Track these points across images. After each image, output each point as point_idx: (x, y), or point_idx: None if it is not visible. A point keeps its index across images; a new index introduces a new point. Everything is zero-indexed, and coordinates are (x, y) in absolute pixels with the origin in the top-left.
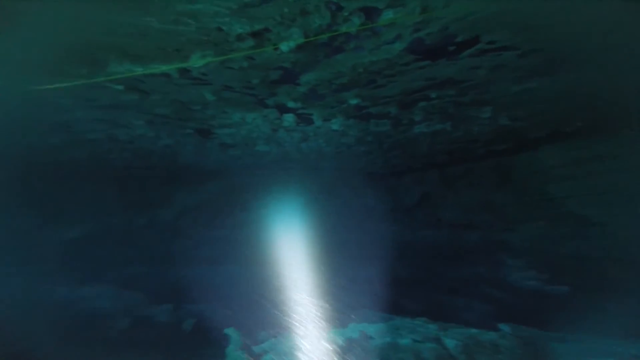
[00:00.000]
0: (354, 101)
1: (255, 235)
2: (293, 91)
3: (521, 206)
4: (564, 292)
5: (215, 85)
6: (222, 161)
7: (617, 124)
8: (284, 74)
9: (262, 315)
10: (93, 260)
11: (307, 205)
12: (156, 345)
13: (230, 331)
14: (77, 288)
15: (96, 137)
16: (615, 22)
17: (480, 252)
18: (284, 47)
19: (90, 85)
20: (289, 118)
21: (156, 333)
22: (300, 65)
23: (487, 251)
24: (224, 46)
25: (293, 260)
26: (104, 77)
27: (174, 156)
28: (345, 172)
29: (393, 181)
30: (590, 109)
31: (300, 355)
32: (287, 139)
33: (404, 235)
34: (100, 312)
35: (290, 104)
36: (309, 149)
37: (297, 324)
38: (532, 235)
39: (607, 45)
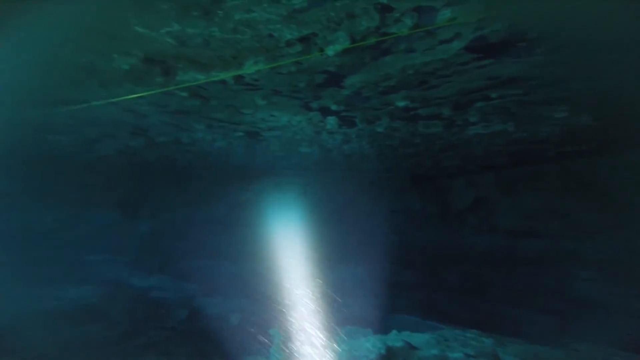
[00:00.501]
0: (401, 103)
1: (297, 232)
2: (337, 94)
3: (597, 213)
4: None
5: (265, 90)
6: (268, 162)
7: None
8: (329, 77)
9: (305, 315)
10: (159, 252)
11: (348, 205)
12: (206, 337)
13: (273, 330)
14: (146, 278)
15: (165, 140)
16: None
17: (544, 262)
18: (330, 51)
19: (163, 93)
20: (331, 121)
21: (207, 325)
22: (345, 69)
23: (552, 261)
24: (275, 52)
25: (334, 261)
26: (175, 86)
27: (227, 157)
28: (388, 173)
29: (442, 183)
30: None
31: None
32: (330, 140)
33: (453, 240)
34: (164, 302)
35: (334, 107)
36: (351, 150)
37: (338, 327)
38: (610, 246)
39: None
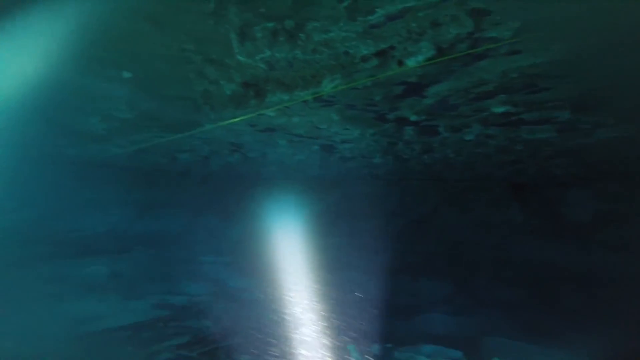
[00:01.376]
0: (499, 109)
1: (369, 243)
2: (417, 104)
3: None
4: None
5: (339, 105)
6: (340, 173)
7: None
8: (408, 88)
9: (378, 324)
10: (249, 256)
11: (430, 217)
12: (294, 342)
13: (348, 340)
14: (239, 279)
15: (254, 156)
16: None
17: None
18: (411, 62)
19: (255, 113)
20: (409, 131)
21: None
22: (428, 78)
23: None
24: (350, 68)
25: (416, 275)
26: (265, 108)
27: (304, 169)
28: (480, 182)
29: (551, 193)
30: None
31: None
32: (407, 150)
33: (571, 258)
34: (255, 303)
35: (413, 117)
36: (432, 159)
37: (418, 344)
38: None
39: None
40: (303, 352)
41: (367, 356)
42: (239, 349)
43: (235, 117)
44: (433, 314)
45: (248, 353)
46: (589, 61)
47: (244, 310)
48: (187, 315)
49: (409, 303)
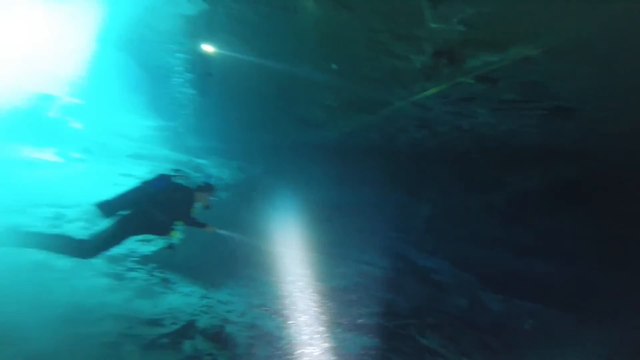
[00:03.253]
0: None
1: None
2: None
3: None
4: None
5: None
6: (583, 141)
7: None
8: None
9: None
10: (438, 236)
11: None
12: (492, 332)
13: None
14: (427, 259)
15: (445, 129)
16: None
17: None
18: None
19: (448, 84)
20: None
21: (490, 320)
22: None
23: None
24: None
25: None
26: (464, 75)
27: (511, 140)
28: None
29: None
30: None
31: None
32: None
33: None
34: (443, 286)
35: None
36: None
37: None
38: None
39: None
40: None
41: None
42: (430, 328)
43: (425, 91)
44: None
45: (438, 333)
46: None
47: (434, 291)
48: (379, 287)
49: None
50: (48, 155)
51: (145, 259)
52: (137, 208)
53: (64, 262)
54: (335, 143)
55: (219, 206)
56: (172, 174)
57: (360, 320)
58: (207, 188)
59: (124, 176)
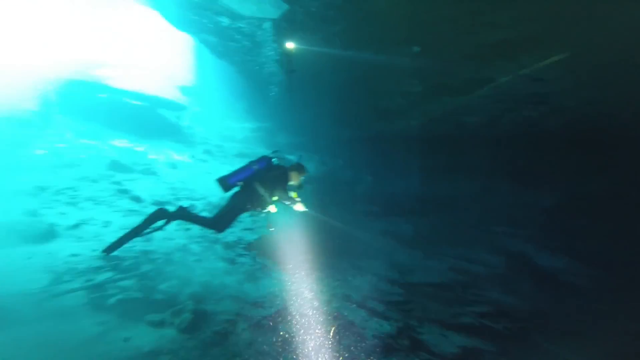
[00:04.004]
0: None
1: None
2: None
3: None
4: None
5: None
6: None
7: None
8: None
9: None
10: (562, 230)
11: None
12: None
13: None
14: (550, 257)
15: (571, 105)
16: None
17: None
18: None
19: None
20: None
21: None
22: None
23: None
24: None
25: None
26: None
27: None
28: None
29: None
30: None
31: None
32: None
33: None
34: (577, 289)
35: None
36: None
37: None
38: None
39: None
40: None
41: None
42: (548, 334)
43: (544, 60)
44: None
45: (554, 342)
46: None
47: (558, 294)
48: (485, 285)
49: None
50: (184, 157)
51: (249, 246)
52: (245, 184)
53: (197, 246)
54: (421, 131)
55: (305, 198)
56: (271, 155)
57: (458, 319)
58: (300, 168)
59: None
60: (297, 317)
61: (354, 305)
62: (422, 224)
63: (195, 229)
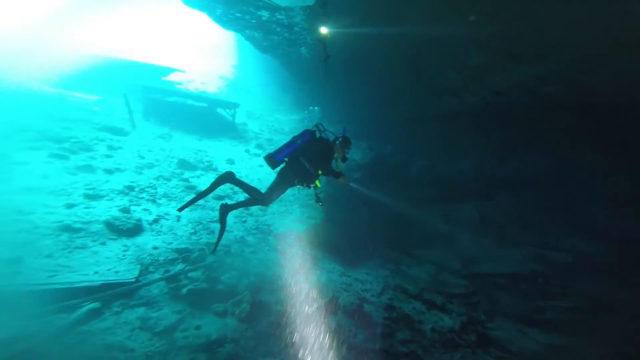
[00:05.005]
0: None
1: None
2: None
3: None
4: None
5: None
6: None
7: None
8: None
9: None
10: None
11: None
12: None
13: None
14: None
15: None
16: None
17: None
18: None
19: None
20: None
21: None
22: None
23: None
24: None
25: None
26: None
27: None
28: None
29: None
30: None
31: None
32: None
33: None
34: None
35: None
36: None
37: None
38: None
39: None
40: None
41: None
42: None
43: None
44: None
45: None
46: None
47: None
48: (574, 276)
49: None
50: (241, 153)
51: (299, 237)
52: (290, 159)
53: (252, 238)
54: (483, 106)
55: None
56: (314, 128)
57: (541, 314)
58: (344, 140)
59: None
60: (347, 307)
61: (408, 296)
62: (490, 208)
63: (251, 221)
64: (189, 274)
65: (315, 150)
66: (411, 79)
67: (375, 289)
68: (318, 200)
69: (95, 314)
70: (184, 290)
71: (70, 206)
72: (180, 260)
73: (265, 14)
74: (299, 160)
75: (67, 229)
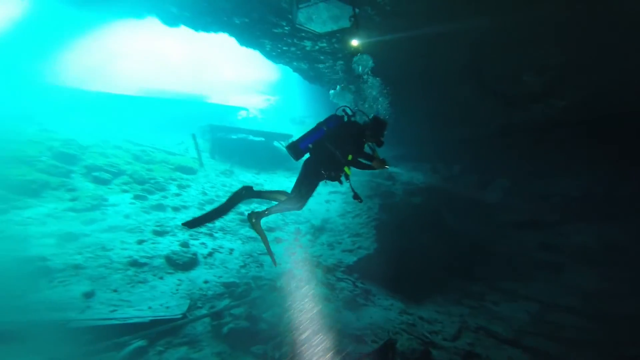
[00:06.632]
0: None
1: None
2: None
3: None
4: None
5: None
6: None
7: None
8: None
9: None
10: None
11: None
12: None
13: None
14: None
15: None
16: None
17: None
18: None
19: None
20: None
21: None
22: None
23: None
24: None
25: None
26: None
27: None
28: None
29: None
30: None
31: None
32: None
33: None
34: None
35: None
36: None
37: None
38: None
39: None
40: None
41: None
42: None
43: None
44: None
45: None
46: None
47: None
48: None
49: None
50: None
51: (349, 269)
52: (315, 147)
53: (299, 271)
54: (577, 114)
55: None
56: (341, 113)
57: None
58: (376, 123)
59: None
60: (407, 354)
61: (497, 340)
62: (609, 232)
63: (300, 253)
64: (232, 311)
65: (343, 135)
66: (475, 88)
67: (447, 330)
68: (356, 196)
69: (140, 352)
70: (225, 329)
71: (140, 242)
72: (226, 295)
73: (308, 44)
74: (325, 145)
75: (135, 263)
